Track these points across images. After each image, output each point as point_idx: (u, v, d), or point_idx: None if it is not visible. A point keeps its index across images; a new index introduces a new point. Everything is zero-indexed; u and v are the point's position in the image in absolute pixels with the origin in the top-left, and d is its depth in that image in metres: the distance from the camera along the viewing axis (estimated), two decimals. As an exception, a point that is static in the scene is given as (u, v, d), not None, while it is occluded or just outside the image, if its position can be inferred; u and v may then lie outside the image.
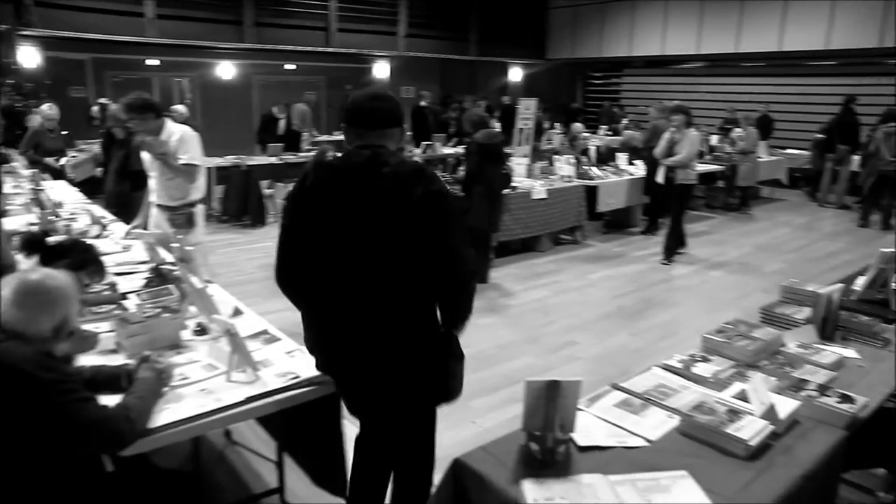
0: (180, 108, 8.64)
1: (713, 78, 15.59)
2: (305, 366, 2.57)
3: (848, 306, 3.26)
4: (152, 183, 4.60)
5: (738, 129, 10.68)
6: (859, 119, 10.83)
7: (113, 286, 3.22)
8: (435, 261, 2.13)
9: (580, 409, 2.15)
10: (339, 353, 2.29)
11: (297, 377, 2.48)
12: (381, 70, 15.61)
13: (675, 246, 7.43)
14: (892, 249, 3.44)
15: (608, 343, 5.11)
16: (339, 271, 2.18)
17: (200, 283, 3.01)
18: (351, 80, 14.84)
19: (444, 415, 3.92)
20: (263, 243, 7.66)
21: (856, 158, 10.75)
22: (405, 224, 2.10)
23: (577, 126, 10.78)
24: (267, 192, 9.04)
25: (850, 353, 2.73)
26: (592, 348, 5.00)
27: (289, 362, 2.63)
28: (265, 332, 2.93)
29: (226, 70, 13.69)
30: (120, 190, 5.88)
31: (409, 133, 12.19)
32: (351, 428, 2.57)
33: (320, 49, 13.70)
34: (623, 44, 15.96)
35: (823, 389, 2.31)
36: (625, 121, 13.50)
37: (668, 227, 7.50)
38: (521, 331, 5.32)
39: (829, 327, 2.94)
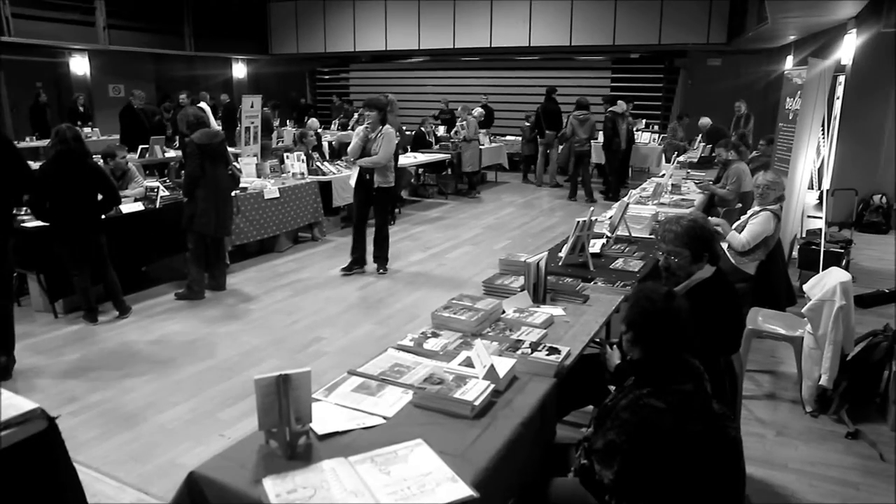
0: None
1: (436, 72, 16.68)
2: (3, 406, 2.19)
3: (554, 271, 3.70)
4: None
5: (464, 121, 11.42)
6: (560, 108, 12.37)
7: None
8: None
9: (319, 400, 2.15)
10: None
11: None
12: (79, 65, 13.87)
13: (384, 255, 6.79)
14: (585, 218, 3.97)
15: (354, 334, 5.17)
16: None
17: None
18: (40, 75, 12.87)
19: (192, 431, 3.67)
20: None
21: None
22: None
23: (314, 122, 10.73)
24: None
25: (558, 311, 3.09)
26: (339, 341, 5.02)
27: (-22, 406, 2.22)
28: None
29: None
30: None
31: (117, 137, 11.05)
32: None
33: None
34: (348, 39, 16.29)
35: (536, 346, 2.59)
36: (356, 115, 13.76)
37: (374, 236, 6.70)
38: (265, 334, 5.15)
39: (540, 291, 3.29)
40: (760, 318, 4.25)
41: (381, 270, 6.77)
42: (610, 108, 11.08)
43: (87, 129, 11.72)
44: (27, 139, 11.56)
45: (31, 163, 7.01)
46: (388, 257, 6.82)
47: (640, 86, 14.53)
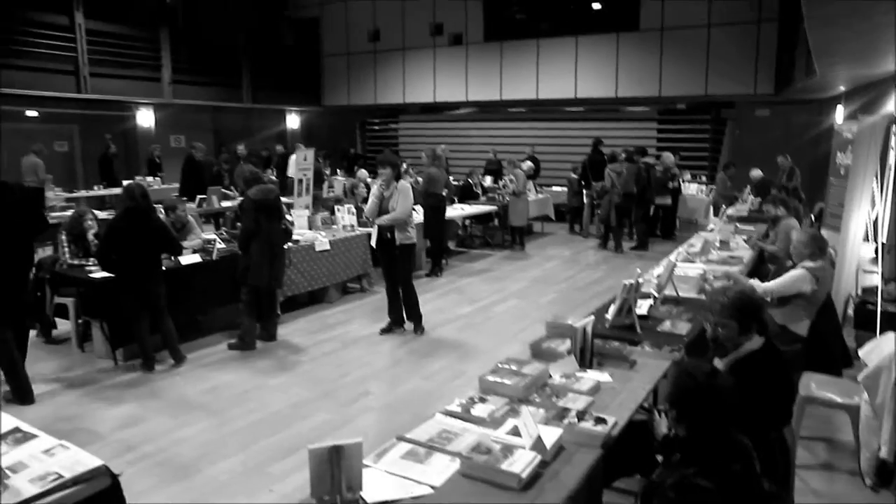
0: None
1: (483, 123, 17.00)
2: (69, 463, 2.31)
3: (601, 334, 3.70)
4: None
5: (513, 174, 11.42)
6: (606, 159, 12.39)
7: None
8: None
9: (368, 466, 2.20)
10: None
11: (59, 477, 2.23)
12: (145, 118, 14.70)
13: (417, 315, 6.59)
14: (633, 281, 3.97)
15: (401, 389, 5.22)
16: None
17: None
18: (110, 128, 13.69)
19: (242, 484, 3.76)
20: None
21: None
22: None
23: (363, 173, 10.97)
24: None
25: (604, 377, 3.08)
26: (386, 396, 5.08)
27: (48, 462, 2.33)
28: (16, 430, 2.56)
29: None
30: None
31: (177, 186, 11.59)
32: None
33: (71, 95, 12.54)
34: (397, 91, 16.79)
35: (582, 415, 2.60)
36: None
37: (401, 296, 6.49)
38: (314, 386, 5.25)
39: (587, 356, 3.30)
40: (814, 385, 4.14)
41: (417, 332, 6.54)
42: (643, 160, 11.12)
43: (149, 179, 12.32)
44: (95, 188, 12.17)
45: (97, 212, 7.47)
46: (421, 315, 6.59)
47: (686, 136, 14.52)
